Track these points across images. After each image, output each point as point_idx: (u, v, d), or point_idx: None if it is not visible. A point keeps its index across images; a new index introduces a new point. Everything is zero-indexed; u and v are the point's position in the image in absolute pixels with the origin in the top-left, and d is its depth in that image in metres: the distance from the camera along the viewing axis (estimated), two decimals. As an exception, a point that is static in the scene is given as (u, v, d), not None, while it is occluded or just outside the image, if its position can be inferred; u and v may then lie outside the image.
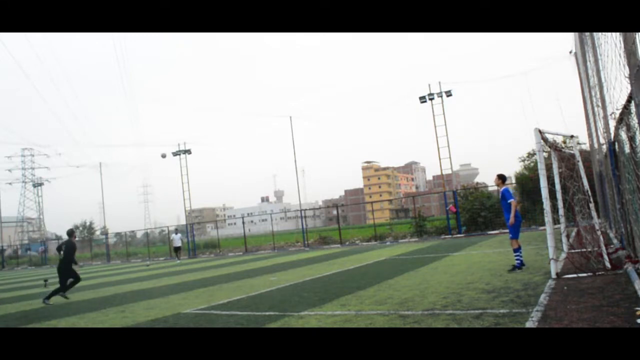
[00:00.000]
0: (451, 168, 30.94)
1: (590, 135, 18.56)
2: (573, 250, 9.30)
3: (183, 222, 44.28)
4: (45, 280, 17.62)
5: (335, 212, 38.27)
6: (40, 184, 70.46)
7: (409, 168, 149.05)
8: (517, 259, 8.75)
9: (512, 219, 8.70)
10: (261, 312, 7.16)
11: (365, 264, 14.03)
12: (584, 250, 8.45)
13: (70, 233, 11.65)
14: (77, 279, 11.51)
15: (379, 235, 29.16)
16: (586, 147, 21.79)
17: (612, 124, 7.75)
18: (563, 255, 9.15)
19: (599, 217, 11.06)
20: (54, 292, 11.04)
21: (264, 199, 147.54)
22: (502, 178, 9.22)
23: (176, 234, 28.45)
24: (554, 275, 7.40)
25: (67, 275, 11.24)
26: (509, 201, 8.80)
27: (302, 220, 32.05)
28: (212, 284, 12.26)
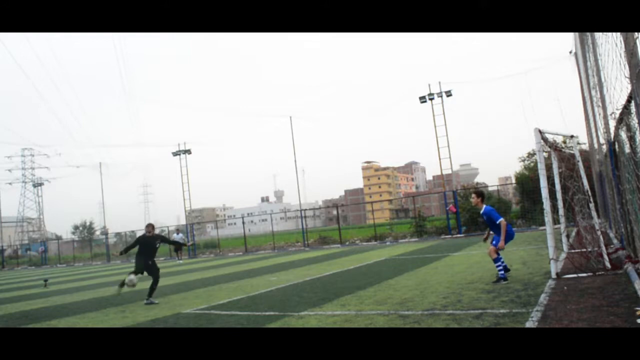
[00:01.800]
0: (451, 168, 30.91)
1: (590, 135, 18.55)
2: (573, 250, 9.29)
3: (183, 222, 44.31)
4: (45, 280, 17.62)
5: (335, 212, 38.28)
6: (40, 184, 70.50)
7: (409, 168, 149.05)
8: (499, 270, 7.63)
9: (502, 244, 7.62)
10: (261, 312, 7.16)
11: (365, 264, 14.03)
12: (584, 250, 8.45)
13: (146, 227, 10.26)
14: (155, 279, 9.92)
15: (379, 235, 29.16)
16: (586, 147, 21.80)
17: (612, 124, 7.75)
18: (563, 255, 9.15)
19: (599, 217, 11.06)
20: (151, 290, 9.76)
21: (264, 199, 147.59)
22: (480, 195, 8.18)
23: (177, 234, 28.43)
24: (554, 275, 7.40)
25: (150, 269, 9.91)
26: (497, 222, 7.70)
27: (302, 220, 32.05)
28: (212, 284, 12.26)
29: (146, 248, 10.00)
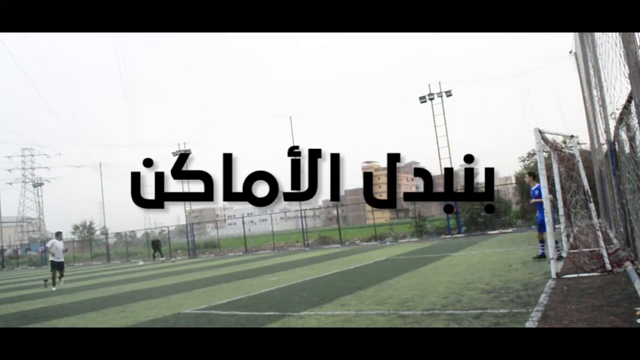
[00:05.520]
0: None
1: (590, 135, 18.56)
2: (573, 250, 9.29)
3: (183, 222, 44.28)
4: (45, 281, 17.59)
5: (335, 212, 38.26)
6: (40, 184, 70.59)
7: (409, 168, 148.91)
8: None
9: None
10: (261, 312, 7.16)
11: (365, 264, 14.03)
12: (584, 250, 8.45)
13: None
14: None
15: (379, 235, 29.17)
16: (586, 147, 21.82)
17: (612, 124, 7.75)
18: (563, 255, 9.15)
19: (599, 217, 11.05)
20: None
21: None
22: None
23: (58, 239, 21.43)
24: (554, 275, 7.40)
25: None
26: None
27: (302, 220, 32.08)
28: (212, 284, 12.26)
29: None
